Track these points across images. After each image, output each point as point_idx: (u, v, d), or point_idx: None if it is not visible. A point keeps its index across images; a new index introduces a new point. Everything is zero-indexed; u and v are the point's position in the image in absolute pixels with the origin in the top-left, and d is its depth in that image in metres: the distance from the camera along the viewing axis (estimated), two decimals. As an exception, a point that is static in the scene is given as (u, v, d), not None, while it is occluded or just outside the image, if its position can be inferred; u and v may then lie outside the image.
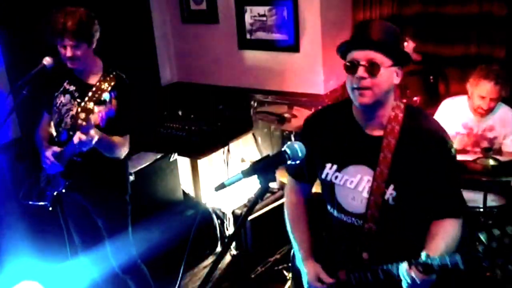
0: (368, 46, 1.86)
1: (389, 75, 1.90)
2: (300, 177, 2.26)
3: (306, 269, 2.18)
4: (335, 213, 2.11)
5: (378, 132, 1.97)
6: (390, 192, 1.94)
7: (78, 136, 2.52)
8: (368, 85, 1.86)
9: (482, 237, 1.70)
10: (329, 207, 2.16)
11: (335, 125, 2.07)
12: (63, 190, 2.91)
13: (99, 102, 2.48)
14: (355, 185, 2.01)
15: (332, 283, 2.11)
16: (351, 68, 1.88)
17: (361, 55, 1.86)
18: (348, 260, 2.07)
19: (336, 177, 2.05)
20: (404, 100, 3.81)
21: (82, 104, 2.76)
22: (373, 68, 1.85)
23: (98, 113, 2.44)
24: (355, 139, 2.01)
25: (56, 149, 2.81)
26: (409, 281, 1.80)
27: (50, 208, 2.98)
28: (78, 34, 2.65)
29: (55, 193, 2.97)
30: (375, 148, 1.95)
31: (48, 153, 2.80)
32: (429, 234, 1.96)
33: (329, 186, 2.09)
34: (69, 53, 2.69)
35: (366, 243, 2.01)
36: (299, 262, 2.22)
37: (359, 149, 2.00)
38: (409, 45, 2.01)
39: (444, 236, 1.93)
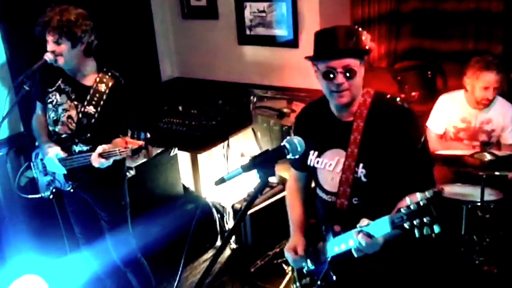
0: (341, 55, 2.02)
1: (361, 72, 2.08)
2: (297, 167, 2.45)
3: (290, 240, 2.35)
4: (320, 194, 2.29)
5: (349, 118, 2.15)
6: (361, 170, 2.10)
7: (98, 160, 2.65)
8: (346, 88, 2.05)
9: None
10: (317, 190, 2.32)
11: (316, 118, 2.28)
12: (71, 190, 2.95)
13: (136, 151, 2.57)
14: (333, 167, 2.18)
15: (303, 256, 2.26)
16: (329, 75, 2.05)
17: (336, 63, 2.03)
18: (326, 234, 2.22)
19: (318, 162, 2.24)
20: (403, 96, 3.83)
21: (83, 109, 2.79)
22: (350, 73, 2.03)
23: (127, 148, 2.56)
24: (331, 127, 2.21)
25: (62, 153, 2.83)
26: (357, 244, 1.92)
27: (51, 197, 3.02)
28: (59, 31, 2.65)
29: (54, 189, 3.01)
30: (347, 131, 2.13)
31: (52, 154, 2.82)
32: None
33: (313, 171, 2.28)
34: (49, 47, 2.71)
35: (338, 217, 2.17)
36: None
37: (334, 134, 2.19)
38: (367, 38, 2.15)
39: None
